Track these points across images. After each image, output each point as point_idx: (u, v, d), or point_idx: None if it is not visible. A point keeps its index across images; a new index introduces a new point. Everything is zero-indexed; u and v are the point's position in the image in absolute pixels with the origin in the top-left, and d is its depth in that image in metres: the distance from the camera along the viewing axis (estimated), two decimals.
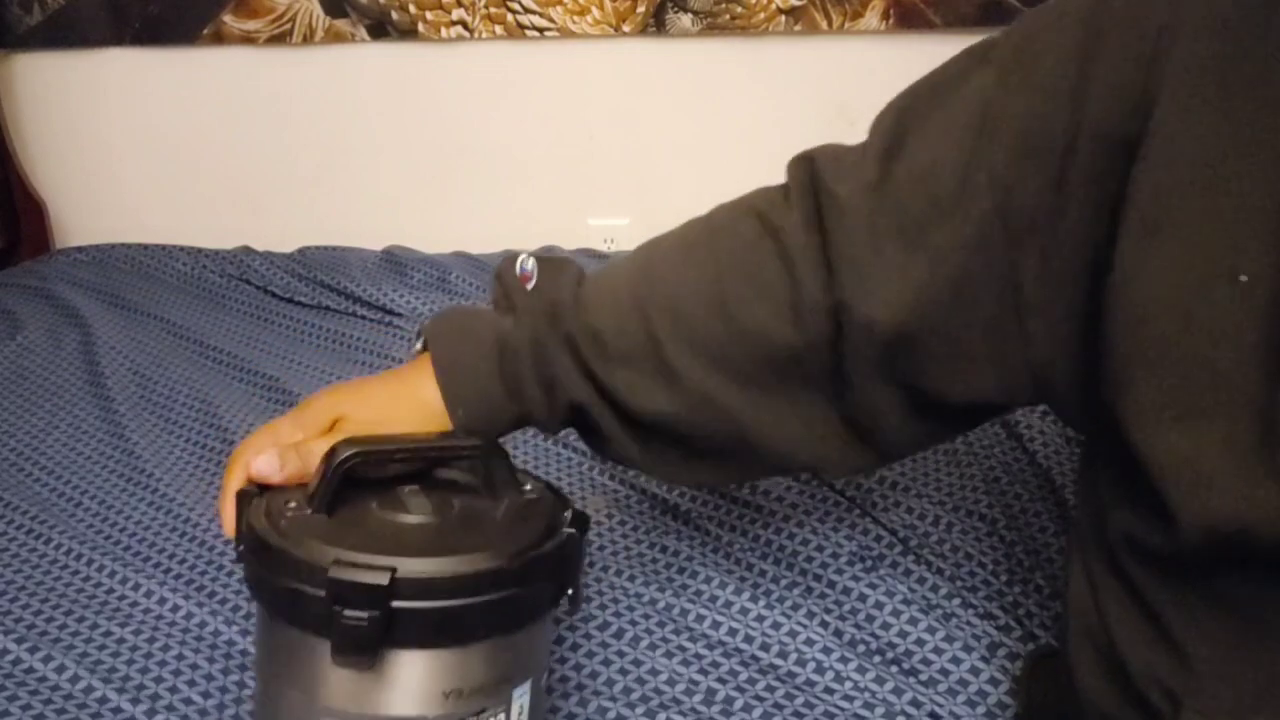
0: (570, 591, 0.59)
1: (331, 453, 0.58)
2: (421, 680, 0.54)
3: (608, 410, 0.64)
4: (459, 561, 0.54)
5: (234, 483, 0.61)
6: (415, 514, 0.58)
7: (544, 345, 0.63)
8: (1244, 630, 0.48)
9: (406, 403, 0.64)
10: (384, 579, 0.51)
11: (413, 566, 0.52)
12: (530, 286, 0.65)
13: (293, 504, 0.58)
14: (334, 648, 0.52)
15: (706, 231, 0.64)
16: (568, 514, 0.61)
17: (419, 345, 0.68)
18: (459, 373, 0.64)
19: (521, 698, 0.57)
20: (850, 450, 0.62)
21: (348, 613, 0.52)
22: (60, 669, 0.75)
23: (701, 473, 0.67)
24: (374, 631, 0.52)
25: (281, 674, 0.56)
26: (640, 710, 0.69)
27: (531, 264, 0.66)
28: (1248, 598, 0.47)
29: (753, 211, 0.62)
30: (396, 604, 0.52)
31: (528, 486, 0.63)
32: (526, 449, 1.08)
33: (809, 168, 0.60)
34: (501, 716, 0.56)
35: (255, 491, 0.60)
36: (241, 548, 0.58)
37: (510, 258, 0.66)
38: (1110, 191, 0.47)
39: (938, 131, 0.54)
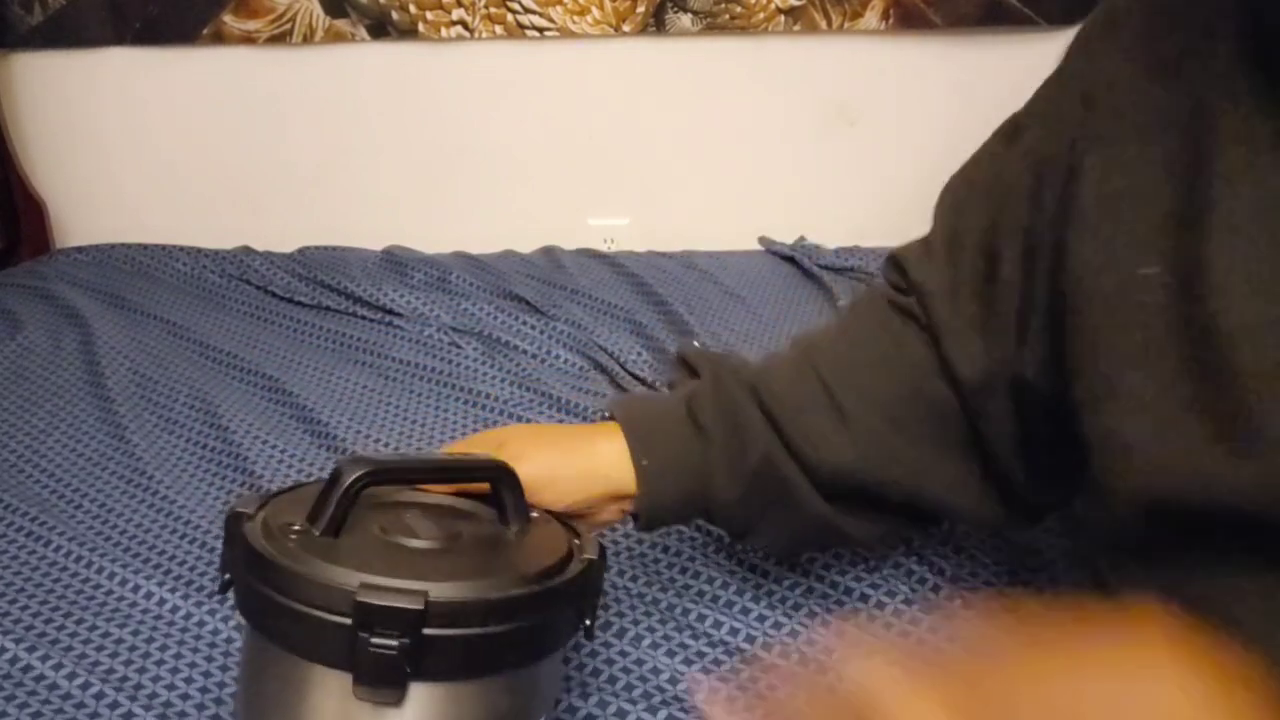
0: (588, 622, 0.57)
1: (339, 471, 0.54)
2: (443, 715, 0.51)
3: (793, 463, 0.67)
4: (491, 586, 0.51)
5: None
6: (424, 538, 0.55)
7: (731, 395, 0.68)
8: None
9: (578, 455, 0.66)
10: (418, 603, 0.48)
11: (446, 590, 0.50)
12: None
13: (296, 525, 0.54)
14: (357, 679, 0.49)
15: (852, 316, 0.74)
16: (579, 541, 0.59)
17: (604, 416, 0.71)
18: (647, 422, 0.67)
19: None
20: (999, 508, 0.68)
21: (376, 640, 0.48)
22: (58, 667, 0.75)
23: (885, 525, 0.71)
24: (404, 660, 0.48)
25: (279, 713, 0.52)
26: (641, 707, 0.69)
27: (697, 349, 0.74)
28: (1200, 588, 0.51)
29: (884, 298, 0.71)
30: (429, 631, 0.49)
31: (534, 514, 0.61)
32: None
33: (899, 267, 0.71)
34: None
35: (249, 513, 0.56)
36: (227, 576, 0.55)
37: (685, 343, 0.77)
38: (1064, 211, 0.58)
39: (977, 204, 0.64)
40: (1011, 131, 0.64)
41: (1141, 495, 0.52)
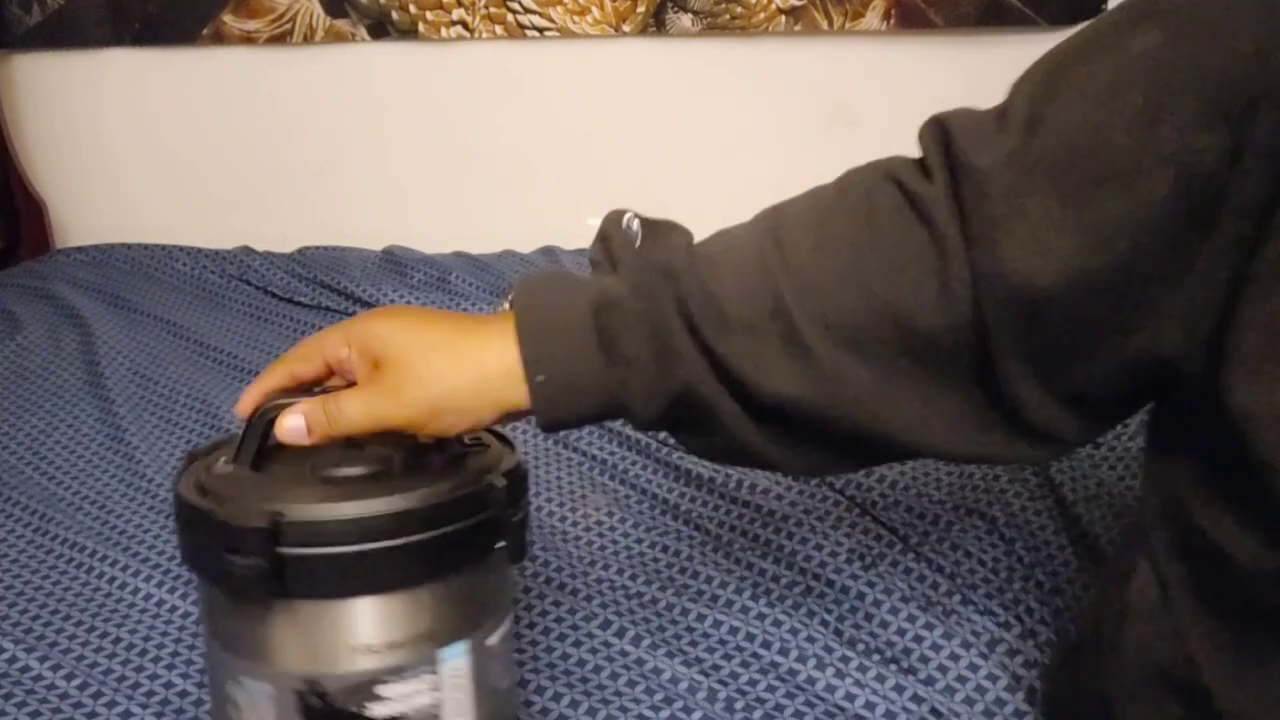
0: (502, 544, 0.56)
1: (260, 410, 0.56)
2: (325, 634, 0.52)
3: (723, 389, 0.55)
4: (351, 506, 0.52)
5: (266, 383, 0.58)
6: (348, 467, 0.55)
7: (654, 307, 0.54)
8: None
9: (466, 366, 0.55)
10: (264, 522, 0.50)
11: (300, 512, 0.51)
12: (638, 245, 0.57)
13: (223, 459, 0.57)
14: (229, 596, 0.53)
15: (839, 196, 0.57)
16: (504, 463, 0.57)
17: (506, 304, 0.58)
18: (544, 327, 0.54)
19: (454, 659, 0.54)
20: (1011, 441, 0.54)
21: (237, 560, 0.50)
22: (56, 668, 0.75)
23: (829, 461, 0.59)
24: (262, 579, 0.50)
25: (207, 628, 0.56)
26: (644, 704, 0.69)
27: (636, 225, 0.58)
28: None
29: (890, 177, 0.55)
30: (284, 550, 0.50)
31: (489, 445, 0.60)
32: (525, 449, 1.08)
33: (942, 136, 0.53)
34: (427, 678, 0.53)
35: (203, 450, 0.59)
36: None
37: (614, 215, 0.58)
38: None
39: (1098, 92, 0.48)
40: (1188, 22, 0.46)
41: None
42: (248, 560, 0.50)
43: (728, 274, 0.54)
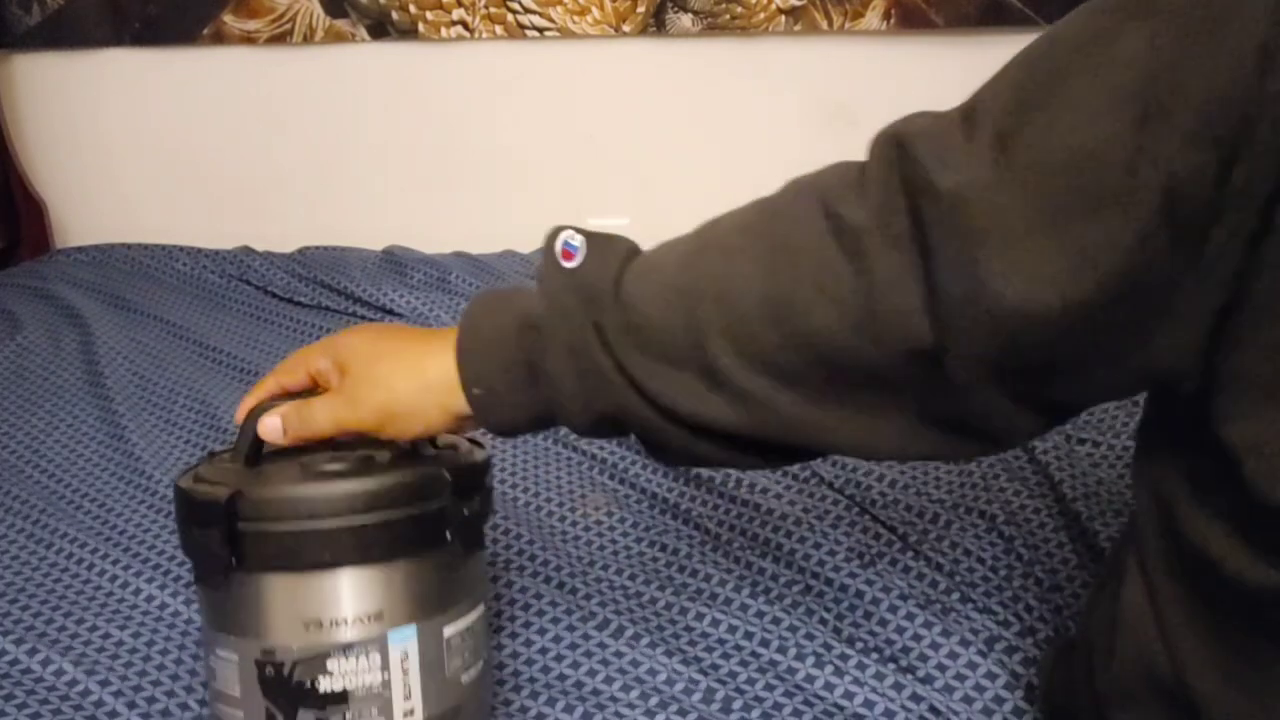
0: (450, 538, 0.59)
1: (251, 412, 0.62)
2: (280, 607, 0.56)
3: (652, 411, 0.55)
4: (301, 488, 0.56)
5: (258, 392, 0.64)
6: (330, 464, 0.59)
7: (573, 331, 0.55)
8: None
9: (410, 374, 0.59)
10: (222, 495, 0.55)
11: (256, 491, 0.56)
12: (573, 264, 0.57)
13: (226, 455, 0.62)
14: (192, 566, 0.58)
15: (768, 215, 0.54)
16: (458, 461, 0.62)
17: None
18: (478, 344, 0.58)
19: (402, 642, 0.57)
20: (959, 444, 0.53)
21: (197, 531, 0.56)
22: (58, 672, 0.75)
23: (785, 460, 0.59)
24: (221, 550, 0.55)
25: (200, 608, 0.61)
26: (640, 709, 0.69)
27: (579, 241, 0.58)
28: None
29: (818, 197, 0.52)
30: (241, 525, 0.55)
31: (459, 448, 0.65)
32: (525, 448, 1.08)
33: (896, 151, 0.49)
34: (376, 658, 0.56)
35: (220, 451, 0.65)
36: None
37: (552, 232, 0.59)
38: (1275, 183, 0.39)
39: (1084, 105, 0.43)
40: (1185, 25, 0.41)
41: None
42: (209, 532, 0.55)
43: (650, 302, 0.54)
